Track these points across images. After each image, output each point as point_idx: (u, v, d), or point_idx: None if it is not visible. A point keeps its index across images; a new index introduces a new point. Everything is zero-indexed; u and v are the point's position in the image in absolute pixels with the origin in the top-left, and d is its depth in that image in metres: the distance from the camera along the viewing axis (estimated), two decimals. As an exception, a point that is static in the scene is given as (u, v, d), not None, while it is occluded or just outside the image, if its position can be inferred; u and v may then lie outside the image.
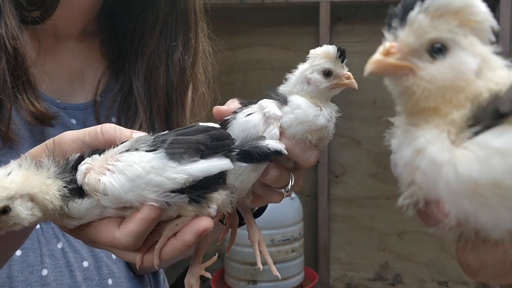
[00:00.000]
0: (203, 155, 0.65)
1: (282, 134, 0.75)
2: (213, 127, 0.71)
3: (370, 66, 0.57)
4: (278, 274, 0.80)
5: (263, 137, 0.73)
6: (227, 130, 0.75)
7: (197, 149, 0.64)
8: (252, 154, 0.70)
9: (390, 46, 0.58)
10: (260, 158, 0.71)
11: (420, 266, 3.03)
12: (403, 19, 0.58)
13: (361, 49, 2.94)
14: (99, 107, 1.10)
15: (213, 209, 0.65)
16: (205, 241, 0.75)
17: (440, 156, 0.53)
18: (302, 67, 0.80)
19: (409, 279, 3.05)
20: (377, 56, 0.57)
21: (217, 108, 0.79)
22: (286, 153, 0.73)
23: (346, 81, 0.78)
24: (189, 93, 1.18)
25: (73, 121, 1.06)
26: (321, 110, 0.77)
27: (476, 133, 0.52)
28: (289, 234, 2.75)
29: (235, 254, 2.71)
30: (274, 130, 0.74)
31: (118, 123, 1.10)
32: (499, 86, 0.56)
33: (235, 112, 0.78)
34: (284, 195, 0.81)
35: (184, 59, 1.12)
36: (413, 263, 3.04)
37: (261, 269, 0.80)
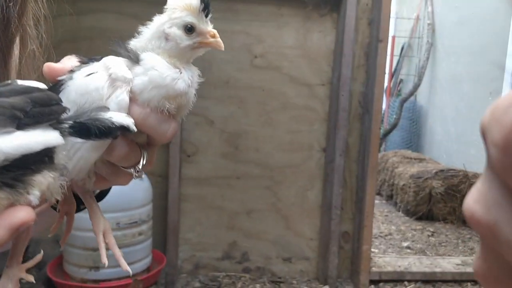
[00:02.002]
0: (21, 125, 0.49)
1: (132, 101, 0.62)
2: (36, 88, 0.54)
3: None
4: (129, 269, 0.68)
5: (105, 108, 0.59)
6: (60, 94, 0.59)
7: (12, 116, 0.48)
8: (90, 128, 0.55)
9: None
10: (100, 134, 0.55)
11: (267, 243, 3.13)
12: None
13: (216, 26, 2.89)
14: None
15: (34, 195, 0.49)
16: (25, 236, 0.59)
17: None
18: (158, 19, 0.67)
19: (255, 256, 3.13)
20: None
21: (49, 65, 0.63)
22: (135, 129, 0.60)
23: (211, 39, 0.67)
24: (15, 50, 0.98)
25: None
26: (181, 72, 0.66)
27: None
28: (136, 217, 2.61)
29: (75, 239, 2.49)
30: (122, 95, 0.60)
31: None
32: None
33: (72, 72, 0.63)
34: (134, 176, 0.68)
35: (8, 7, 0.92)
36: (260, 241, 3.13)
37: (106, 265, 0.67)
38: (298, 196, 3.09)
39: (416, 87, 6.24)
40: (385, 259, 3.38)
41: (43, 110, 0.51)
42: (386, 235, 4.07)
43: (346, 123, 2.90)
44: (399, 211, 4.72)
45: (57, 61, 0.67)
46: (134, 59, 0.64)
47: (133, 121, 0.60)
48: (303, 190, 3.09)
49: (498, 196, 0.27)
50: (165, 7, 0.68)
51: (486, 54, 4.76)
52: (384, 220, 4.52)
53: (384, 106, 6.44)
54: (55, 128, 0.52)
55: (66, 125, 0.54)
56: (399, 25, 7.29)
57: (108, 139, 0.58)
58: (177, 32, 0.66)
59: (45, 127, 0.52)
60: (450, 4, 5.79)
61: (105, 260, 0.68)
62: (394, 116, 6.24)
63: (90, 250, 2.51)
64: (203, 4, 0.67)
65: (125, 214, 2.55)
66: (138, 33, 0.69)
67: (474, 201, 0.29)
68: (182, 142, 2.93)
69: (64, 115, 0.55)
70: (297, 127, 3.01)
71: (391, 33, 5.80)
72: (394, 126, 6.18)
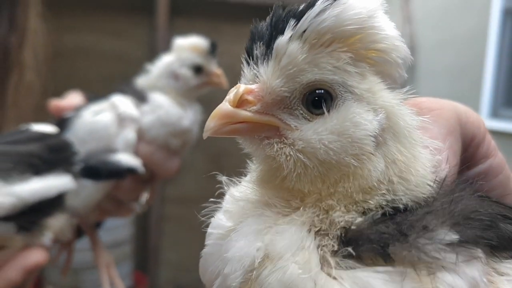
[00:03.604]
0: (38, 171, 0.51)
1: (140, 138, 0.64)
2: (51, 134, 0.56)
3: (213, 122, 0.37)
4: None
5: (114, 150, 0.60)
6: (68, 131, 0.60)
7: (30, 163, 0.50)
8: (99, 170, 0.57)
9: (246, 91, 0.38)
10: (109, 176, 0.58)
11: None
12: (269, 45, 0.37)
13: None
14: None
15: (47, 237, 0.52)
16: (35, 274, 0.61)
17: (302, 283, 0.34)
18: (167, 59, 0.70)
19: (238, 277, 3.10)
20: (225, 106, 0.38)
21: (56, 103, 0.64)
22: (143, 170, 0.61)
23: (216, 80, 0.70)
24: (13, 79, 0.97)
25: None
26: (186, 111, 0.68)
27: (353, 258, 0.35)
28: (118, 237, 2.56)
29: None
30: (131, 134, 0.62)
31: None
32: (407, 182, 0.36)
33: (78, 109, 0.64)
34: (137, 210, 0.70)
35: (9, 38, 0.91)
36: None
37: None
38: (281, 216, 3.07)
39: (397, 106, 6.31)
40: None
41: (58, 156, 0.54)
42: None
43: (329, 142, 2.91)
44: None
45: (55, 93, 0.68)
46: (141, 98, 0.66)
47: (140, 162, 0.62)
48: (286, 210, 3.07)
49: None
50: (173, 46, 0.70)
51: (465, 75, 4.86)
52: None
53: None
54: (67, 171, 0.55)
55: (77, 167, 0.57)
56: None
57: (116, 179, 0.61)
58: (187, 72, 0.69)
59: (59, 172, 0.54)
60: (429, 25, 5.92)
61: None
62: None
63: (72, 270, 2.46)
64: (211, 46, 0.70)
65: (105, 234, 2.51)
66: (146, 71, 0.71)
67: None
68: (164, 161, 2.92)
69: (77, 158, 0.58)
70: (280, 146, 3.01)
71: (372, 53, 5.89)
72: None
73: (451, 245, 0.34)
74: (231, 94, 0.37)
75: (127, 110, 0.64)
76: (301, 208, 0.38)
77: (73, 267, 2.38)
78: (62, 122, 0.64)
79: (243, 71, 0.39)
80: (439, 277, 0.33)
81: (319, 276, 0.34)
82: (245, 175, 0.44)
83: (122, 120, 0.63)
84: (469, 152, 0.44)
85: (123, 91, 0.67)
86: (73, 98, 0.66)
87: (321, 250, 0.36)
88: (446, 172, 0.38)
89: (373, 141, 0.37)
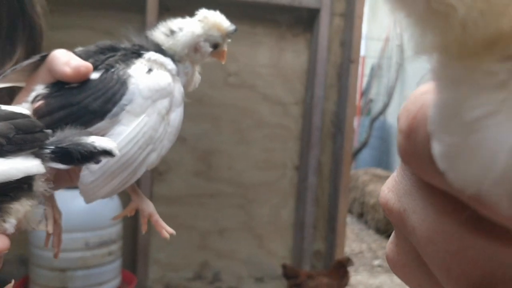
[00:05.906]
0: (3, 152, 0.48)
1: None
2: (20, 114, 0.53)
3: None
4: (172, 231, 0.74)
5: (87, 132, 0.58)
6: (126, 92, 0.61)
7: None
8: (72, 153, 0.53)
9: None
10: (82, 159, 0.54)
11: (239, 263, 3.10)
12: None
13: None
14: None
15: (10, 224, 0.48)
16: None
17: None
18: (195, 29, 0.72)
19: (227, 276, 3.09)
20: None
21: (83, 65, 0.62)
22: (118, 153, 0.58)
23: (222, 57, 0.77)
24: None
25: None
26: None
27: None
28: (106, 236, 2.54)
29: (41, 259, 2.40)
30: (181, 87, 0.68)
31: None
32: None
33: (108, 68, 0.64)
34: None
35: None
36: (232, 260, 3.09)
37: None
38: (271, 215, 3.07)
39: (385, 106, 6.36)
40: (356, 277, 3.39)
41: (26, 137, 0.51)
42: (357, 253, 4.09)
43: (318, 141, 2.92)
44: (369, 229, 4.76)
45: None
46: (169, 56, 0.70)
47: (116, 145, 0.58)
48: (276, 209, 3.08)
49: (408, 184, 0.28)
50: (199, 16, 0.71)
51: (453, 76, 4.89)
52: (355, 238, 4.55)
53: (354, 124, 6.53)
54: (37, 155, 0.52)
55: (48, 151, 0.53)
56: (369, 45, 7.44)
57: (90, 164, 0.57)
58: (208, 48, 0.72)
59: (27, 155, 0.51)
60: (418, 26, 5.96)
61: (171, 231, 0.75)
62: (364, 135, 6.33)
63: (58, 270, 2.43)
64: (233, 30, 0.74)
65: (94, 233, 2.48)
66: (171, 31, 0.71)
67: (388, 190, 0.30)
68: (154, 159, 2.89)
69: (47, 141, 0.54)
70: (270, 145, 3.01)
71: (361, 53, 5.90)
72: (364, 145, 6.27)
73: None
74: None
75: (172, 65, 0.68)
76: None
77: (60, 267, 2.37)
78: (83, 84, 0.63)
79: None
80: None
81: None
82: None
83: (174, 76, 0.68)
84: None
85: (147, 45, 0.69)
86: (76, 58, 0.64)
87: None
88: None
89: None
